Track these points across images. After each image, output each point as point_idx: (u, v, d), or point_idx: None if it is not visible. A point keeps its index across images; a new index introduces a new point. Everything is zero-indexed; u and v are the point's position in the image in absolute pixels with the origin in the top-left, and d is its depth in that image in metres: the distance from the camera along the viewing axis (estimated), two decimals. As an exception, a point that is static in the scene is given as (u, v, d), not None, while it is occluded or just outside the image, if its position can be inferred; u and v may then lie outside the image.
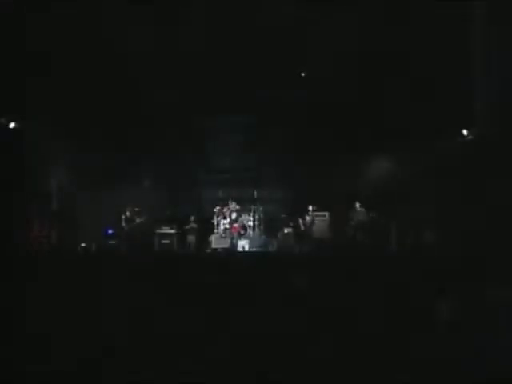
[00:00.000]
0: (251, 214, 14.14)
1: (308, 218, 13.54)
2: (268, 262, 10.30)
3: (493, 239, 9.79)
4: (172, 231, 13.73)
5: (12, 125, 12.29)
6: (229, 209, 13.99)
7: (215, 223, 13.98)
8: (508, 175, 10.37)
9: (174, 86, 14.00)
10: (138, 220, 13.71)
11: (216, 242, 13.57)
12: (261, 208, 14.25)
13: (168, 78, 13.82)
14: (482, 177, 11.02)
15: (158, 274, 8.94)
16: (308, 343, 5.42)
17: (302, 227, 13.51)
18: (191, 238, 13.93)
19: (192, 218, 14.16)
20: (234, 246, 13.49)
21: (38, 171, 13.50)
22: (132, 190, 14.45)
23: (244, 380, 4.77)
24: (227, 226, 13.80)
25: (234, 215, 13.91)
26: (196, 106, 14.80)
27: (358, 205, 13.32)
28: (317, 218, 13.46)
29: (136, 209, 13.83)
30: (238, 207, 14.06)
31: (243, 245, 13.48)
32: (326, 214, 13.53)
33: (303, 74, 14.23)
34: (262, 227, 14.11)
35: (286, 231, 13.73)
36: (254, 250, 13.31)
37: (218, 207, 14.08)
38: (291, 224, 13.73)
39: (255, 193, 14.50)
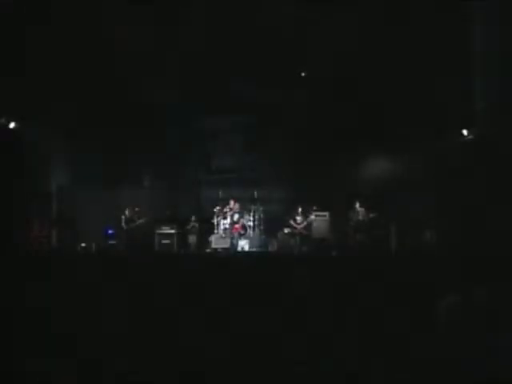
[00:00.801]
0: (251, 213, 14.14)
1: (299, 218, 13.59)
2: (268, 262, 10.30)
3: (493, 239, 9.79)
4: (172, 231, 13.75)
5: (12, 125, 12.31)
6: (231, 209, 13.99)
7: (215, 223, 14.00)
8: (508, 175, 10.36)
9: (174, 85, 14.02)
10: (138, 220, 13.73)
11: (216, 242, 13.58)
12: (261, 208, 14.27)
13: (168, 77, 13.84)
14: (481, 177, 11.01)
15: (158, 274, 8.94)
16: (308, 343, 5.43)
17: (295, 227, 13.54)
18: (192, 238, 13.95)
19: (193, 218, 14.18)
20: (234, 246, 13.50)
21: (37, 171, 13.51)
22: (132, 190, 14.47)
23: (244, 380, 4.78)
24: (227, 226, 13.81)
25: (236, 216, 13.91)
26: (196, 105, 14.84)
27: (357, 205, 13.35)
28: (317, 218, 13.49)
29: (136, 209, 13.84)
30: (238, 209, 14.05)
31: (243, 245, 13.50)
32: (326, 214, 13.56)
33: (303, 74, 14.25)
34: (262, 227, 14.13)
35: (286, 231, 13.76)
36: (254, 249, 13.33)
37: (218, 207, 14.09)
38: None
39: (255, 193, 14.51)
